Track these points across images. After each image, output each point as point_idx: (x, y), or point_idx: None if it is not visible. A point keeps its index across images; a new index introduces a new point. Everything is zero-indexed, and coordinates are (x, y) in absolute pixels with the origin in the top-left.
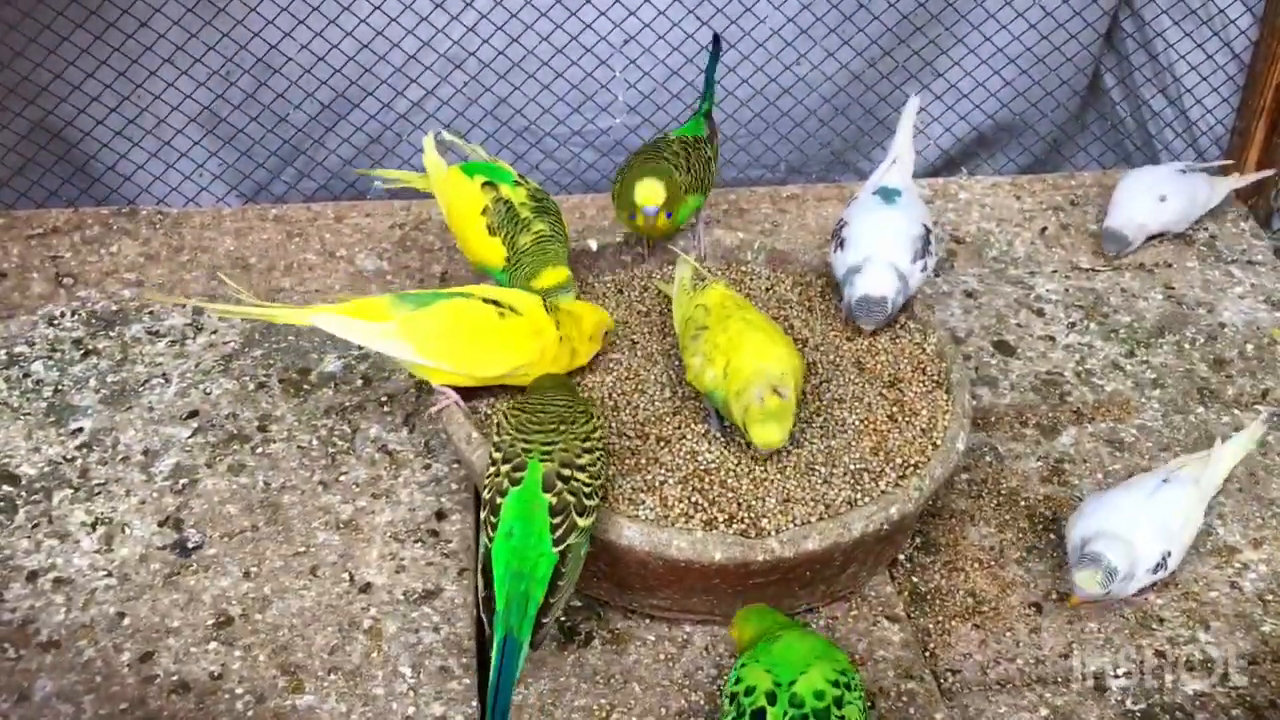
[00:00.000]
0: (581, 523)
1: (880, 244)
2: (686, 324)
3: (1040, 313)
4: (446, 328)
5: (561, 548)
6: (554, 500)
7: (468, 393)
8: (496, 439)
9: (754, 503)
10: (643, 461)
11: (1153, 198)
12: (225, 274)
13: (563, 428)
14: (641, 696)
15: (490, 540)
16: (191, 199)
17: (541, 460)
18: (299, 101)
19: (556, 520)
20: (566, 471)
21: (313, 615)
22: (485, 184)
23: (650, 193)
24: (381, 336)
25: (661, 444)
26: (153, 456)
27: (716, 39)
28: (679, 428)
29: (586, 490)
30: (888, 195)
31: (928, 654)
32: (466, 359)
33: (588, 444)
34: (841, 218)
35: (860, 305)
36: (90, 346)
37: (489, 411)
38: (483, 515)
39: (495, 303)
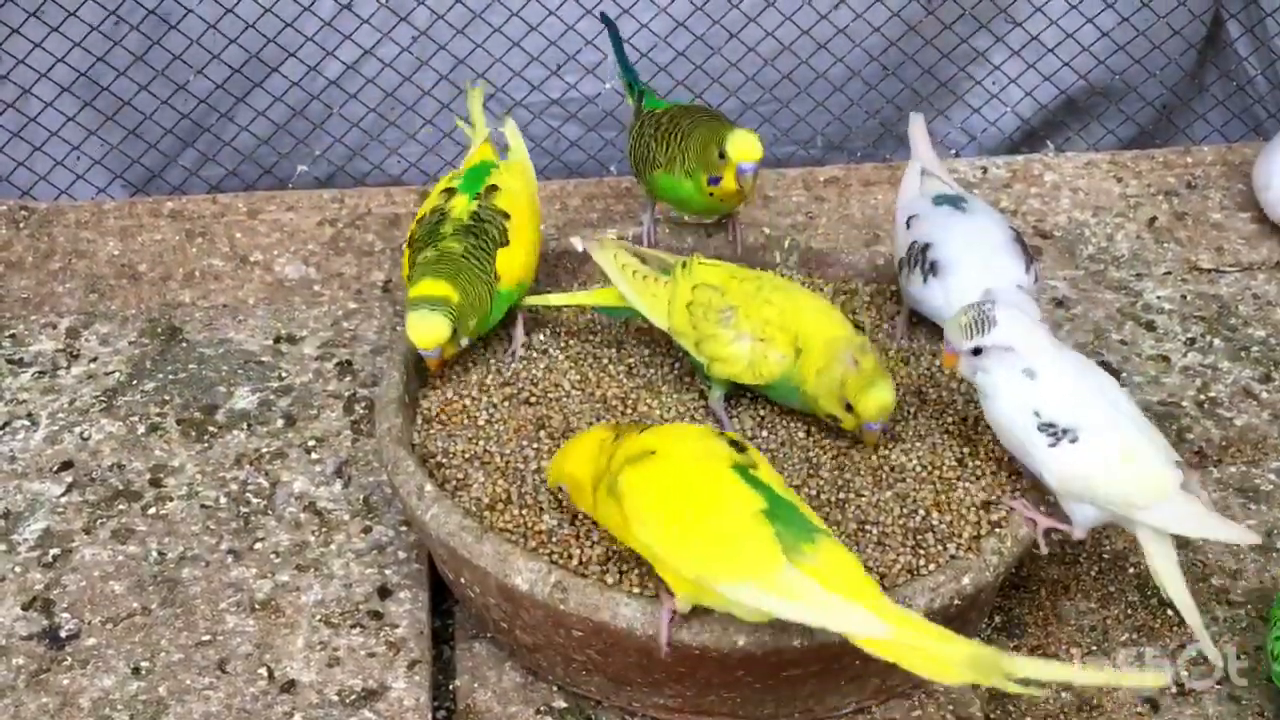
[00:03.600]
0: None
1: (990, 259)
2: (691, 311)
3: (1151, 326)
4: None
5: None
6: None
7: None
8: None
9: None
10: None
11: None
12: None
13: None
14: None
15: None
16: (65, 190)
17: None
18: (201, 65)
19: None
20: None
21: None
22: (445, 190)
23: (750, 145)
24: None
25: None
26: (15, 520)
27: (606, 19)
28: None
29: None
30: (955, 203)
31: None
32: None
33: None
34: (914, 239)
35: None
36: None
37: (441, 454)
38: None
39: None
